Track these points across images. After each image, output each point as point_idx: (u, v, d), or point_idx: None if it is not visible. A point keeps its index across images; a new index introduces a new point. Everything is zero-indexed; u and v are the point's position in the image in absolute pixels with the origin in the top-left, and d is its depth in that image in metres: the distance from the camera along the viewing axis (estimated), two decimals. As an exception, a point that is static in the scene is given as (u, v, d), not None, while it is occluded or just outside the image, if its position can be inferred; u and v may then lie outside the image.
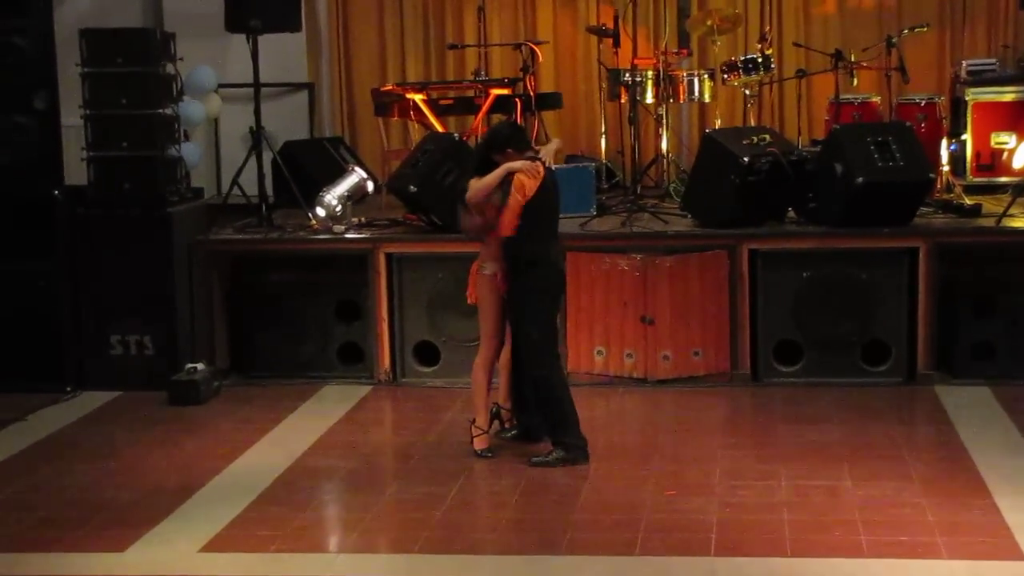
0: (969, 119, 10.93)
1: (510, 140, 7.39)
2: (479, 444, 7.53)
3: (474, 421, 7.55)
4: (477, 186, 7.26)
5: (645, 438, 7.87)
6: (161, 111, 9.37)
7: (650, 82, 10.92)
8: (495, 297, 7.43)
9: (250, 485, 7.15)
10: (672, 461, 7.43)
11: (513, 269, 7.33)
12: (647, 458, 7.50)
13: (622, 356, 8.97)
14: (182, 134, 10.07)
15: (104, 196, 9.28)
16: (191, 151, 10.85)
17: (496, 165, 7.25)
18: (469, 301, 7.60)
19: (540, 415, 7.50)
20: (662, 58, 10.97)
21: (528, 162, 7.25)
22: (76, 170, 9.47)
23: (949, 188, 10.22)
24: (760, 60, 10.97)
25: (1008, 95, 10.95)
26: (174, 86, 9.63)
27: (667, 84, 10.88)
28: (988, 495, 6.68)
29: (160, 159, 9.34)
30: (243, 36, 9.84)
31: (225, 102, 12.01)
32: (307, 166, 10.82)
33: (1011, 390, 8.62)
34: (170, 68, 9.52)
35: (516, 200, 7.21)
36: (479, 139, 8.84)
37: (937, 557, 5.95)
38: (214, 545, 6.34)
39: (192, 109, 11.12)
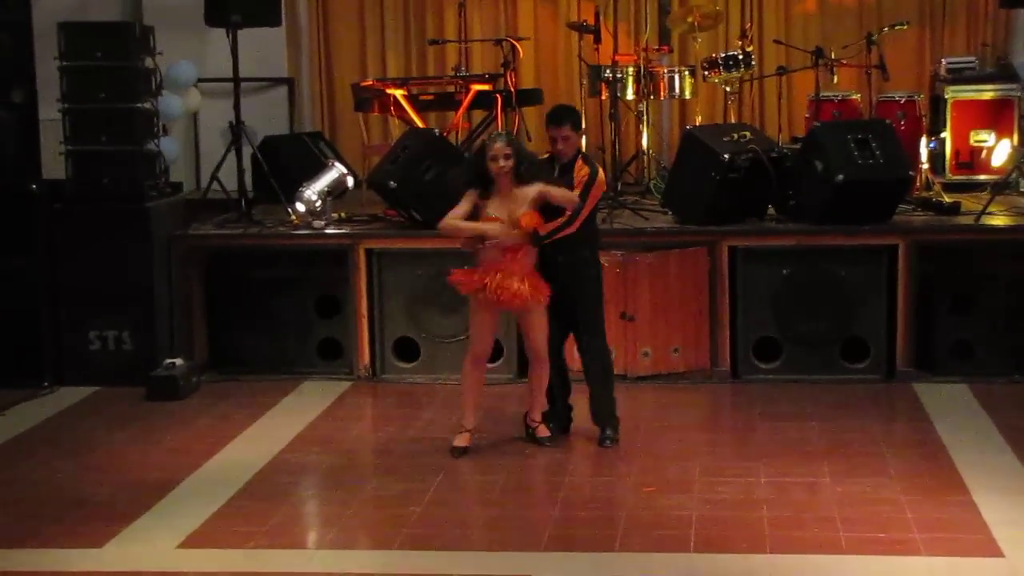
0: (948, 117, 10.97)
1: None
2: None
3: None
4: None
5: (625, 435, 7.85)
6: (140, 105, 9.33)
7: (631, 78, 10.91)
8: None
9: (229, 481, 7.14)
10: (652, 458, 7.44)
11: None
12: (627, 455, 7.52)
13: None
14: (161, 128, 10.03)
15: (83, 190, 9.24)
16: (170, 146, 10.81)
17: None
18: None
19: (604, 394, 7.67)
20: (643, 54, 10.97)
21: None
22: (54, 165, 9.43)
23: (928, 186, 10.27)
24: (741, 57, 10.98)
25: (987, 93, 10.99)
26: (153, 80, 9.58)
27: (648, 80, 10.87)
28: (966, 492, 6.72)
29: (139, 153, 9.31)
30: (223, 30, 9.81)
31: (205, 96, 11.95)
32: (287, 161, 10.79)
33: (989, 387, 8.66)
34: (149, 62, 9.48)
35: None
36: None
37: (915, 554, 5.97)
38: (192, 541, 6.33)
39: (171, 103, 11.08)
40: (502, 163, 7.21)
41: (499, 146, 7.24)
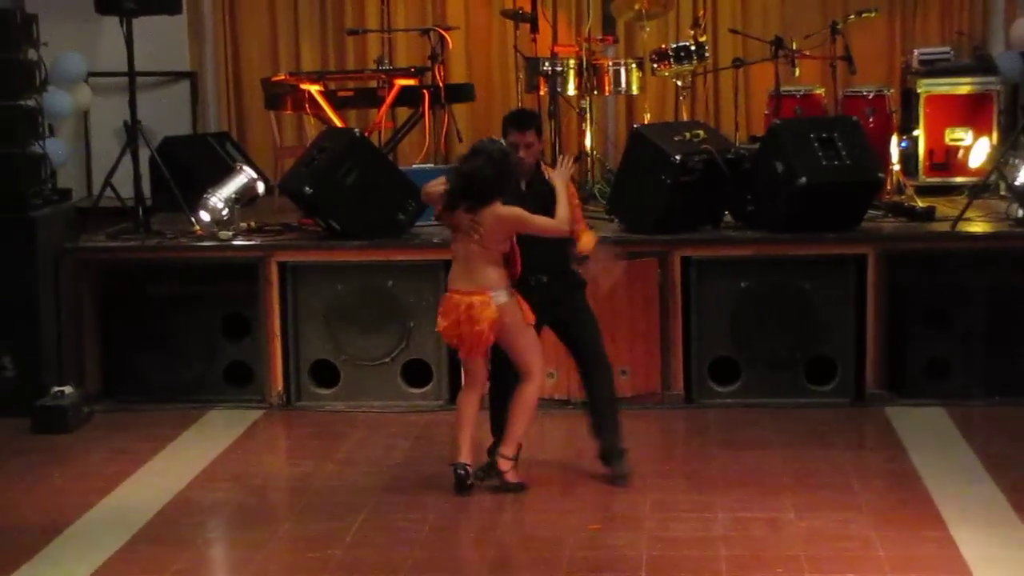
0: (921, 113, 11.11)
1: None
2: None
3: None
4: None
5: (568, 466, 7.90)
6: (22, 103, 9.29)
7: (572, 72, 10.96)
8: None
9: (125, 522, 7.09)
10: (597, 492, 7.46)
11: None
12: (570, 488, 7.53)
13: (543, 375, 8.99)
14: (47, 128, 9.96)
15: (-43, 198, 9.18)
16: (57, 147, 10.75)
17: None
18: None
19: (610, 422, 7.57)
20: (585, 45, 11.03)
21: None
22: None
23: (900, 189, 10.38)
24: (693, 48, 11.06)
25: (963, 87, 11.14)
26: (37, 74, 9.53)
27: (591, 74, 10.94)
28: (943, 527, 6.78)
29: (21, 156, 9.26)
30: (116, 19, 9.76)
31: (96, 93, 11.92)
32: (189, 165, 10.76)
33: (967, 411, 8.76)
34: (32, 54, 9.44)
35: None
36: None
37: (888, 595, 6.05)
38: (84, 591, 6.29)
39: (58, 100, 11.02)
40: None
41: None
